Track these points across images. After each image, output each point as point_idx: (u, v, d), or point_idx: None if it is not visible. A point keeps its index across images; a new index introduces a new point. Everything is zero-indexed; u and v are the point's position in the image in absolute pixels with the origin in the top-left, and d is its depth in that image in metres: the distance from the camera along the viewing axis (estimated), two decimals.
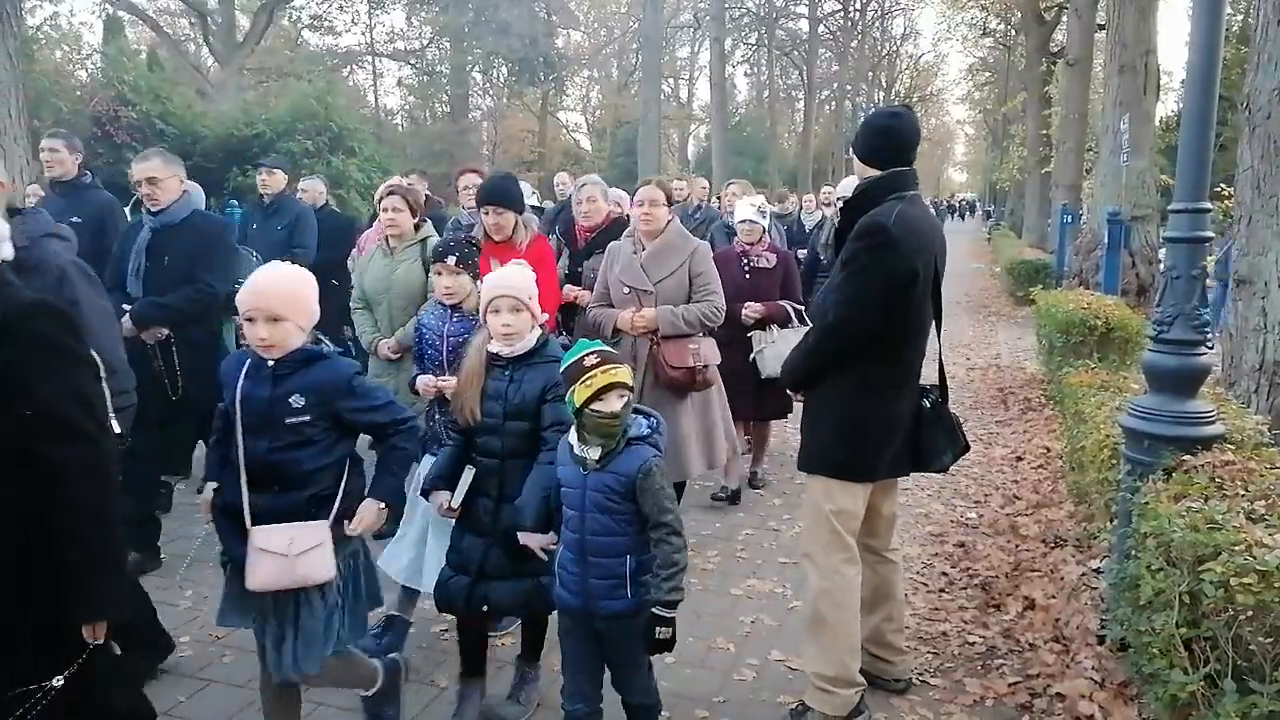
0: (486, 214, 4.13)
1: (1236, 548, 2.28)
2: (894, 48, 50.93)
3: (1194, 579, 2.34)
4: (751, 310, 5.17)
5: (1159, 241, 12.25)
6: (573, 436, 2.57)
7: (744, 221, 5.41)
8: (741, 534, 4.83)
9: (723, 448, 4.40)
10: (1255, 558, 2.21)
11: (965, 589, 4.13)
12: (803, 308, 5.28)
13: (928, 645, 3.57)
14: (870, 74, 47.96)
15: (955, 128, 70.34)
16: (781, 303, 5.27)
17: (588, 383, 2.46)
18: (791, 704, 3.13)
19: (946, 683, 3.29)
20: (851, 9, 43.21)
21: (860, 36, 45.13)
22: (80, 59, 15.80)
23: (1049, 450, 6.27)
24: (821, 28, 42.95)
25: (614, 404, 2.47)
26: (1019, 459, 6.26)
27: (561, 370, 2.58)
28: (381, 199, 4.29)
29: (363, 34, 34.57)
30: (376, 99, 36.65)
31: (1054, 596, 3.88)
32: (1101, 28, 16.86)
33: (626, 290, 4.21)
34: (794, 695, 3.18)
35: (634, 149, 26.87)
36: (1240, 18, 19.84)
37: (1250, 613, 2.17)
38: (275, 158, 7.63)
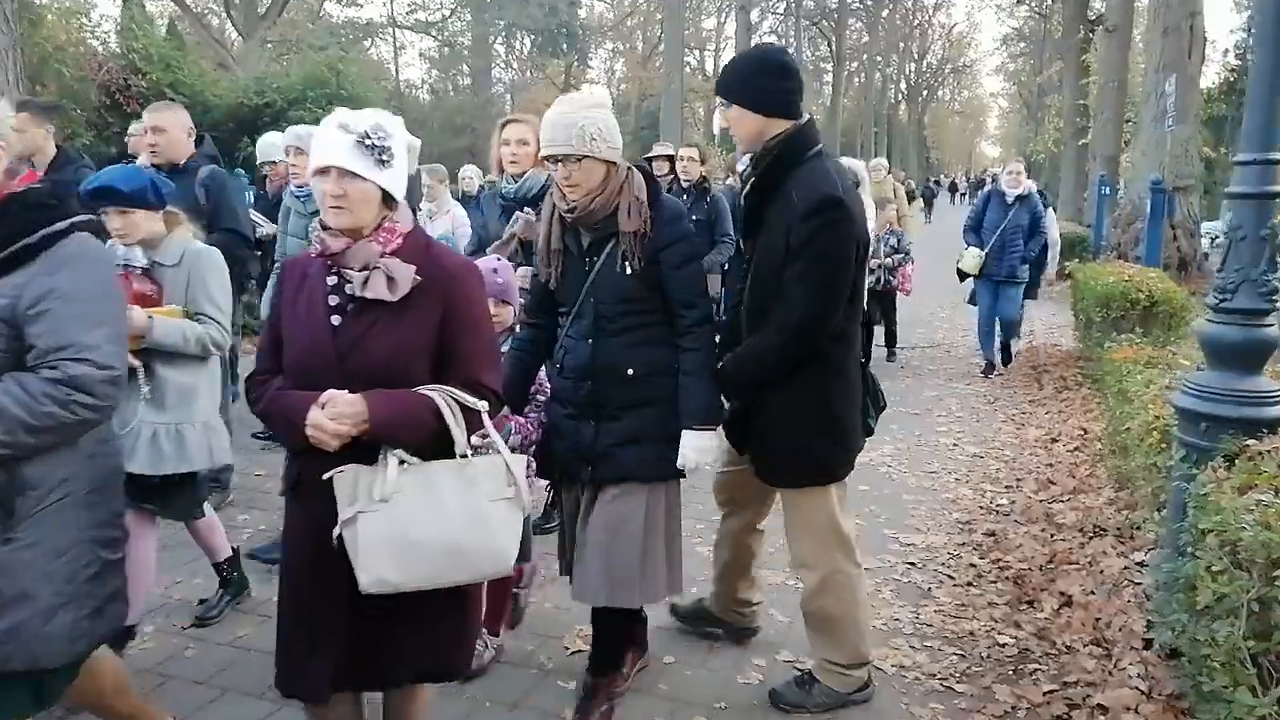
0: None
1: None
2: (926, 17, 49.79)
3: (1265, 585, 2.04)
4: (332, 420, 1.86)
5: (1201, 214, 11.77)
6: None
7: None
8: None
9: None
10: None
11: (995, 583, 3.80)
12: (486, 401, 2.00)
13: (953, 646, 3.25)
14: (901, 45, 47.02)
15: (989, 100, 68.92)
16: (425, 392, 1.94)
17: None
18: None
19: (974, 689, 2.96)
20: None
21: (891, 5, 44.19)
22: (91, 26, 15.52)
23: (1086, 432, 5.90)
24: None
25: None
26: (1053, 441, 5.90)
27: None
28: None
29: (384, 5, 34.37)
30: (397, 71, 36.38)
31: (1093, 592, 3.54)
32: None
33: None
34: None
35: (658, 122, 26.46)
36: None
37: None
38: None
